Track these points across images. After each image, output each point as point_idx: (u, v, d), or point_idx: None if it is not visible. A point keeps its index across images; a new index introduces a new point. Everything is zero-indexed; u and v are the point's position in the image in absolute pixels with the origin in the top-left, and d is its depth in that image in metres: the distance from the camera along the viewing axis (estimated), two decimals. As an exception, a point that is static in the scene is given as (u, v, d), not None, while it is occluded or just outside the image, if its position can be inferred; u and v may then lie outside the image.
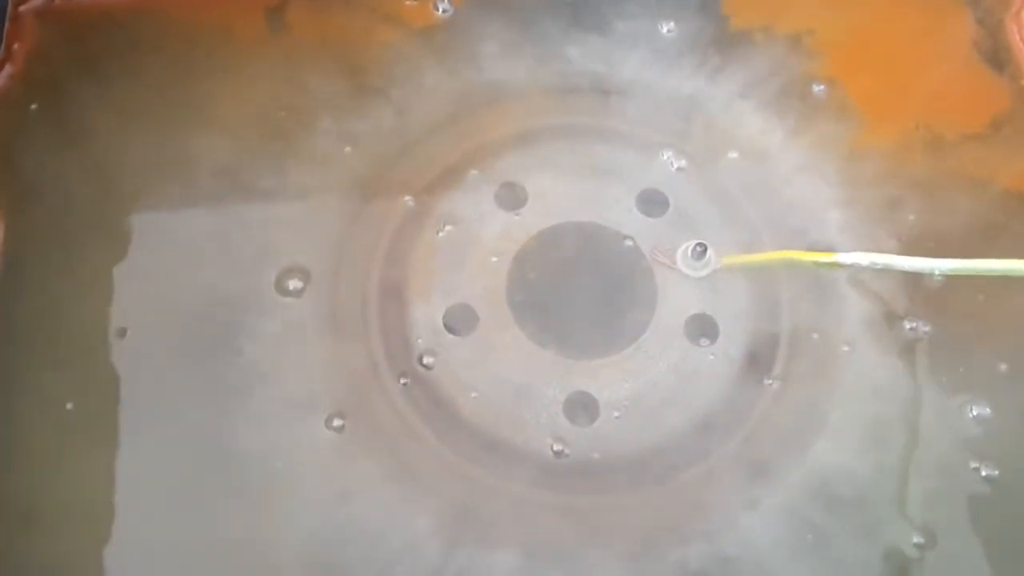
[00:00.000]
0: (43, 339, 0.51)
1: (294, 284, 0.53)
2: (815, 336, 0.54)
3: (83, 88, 0.57)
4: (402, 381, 0.52)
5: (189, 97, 0.57)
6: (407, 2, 0.61)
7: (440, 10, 0.59)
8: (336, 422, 0.50)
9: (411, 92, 0.59)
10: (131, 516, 0.47)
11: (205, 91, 0.58)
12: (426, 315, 0.53)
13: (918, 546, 0.49)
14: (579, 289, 0.55)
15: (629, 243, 0.55)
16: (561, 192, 0.57)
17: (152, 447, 0.49)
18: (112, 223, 0.54)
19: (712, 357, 0.54)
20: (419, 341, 0.53)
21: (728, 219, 0.57)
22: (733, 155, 0.59)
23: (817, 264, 0.55)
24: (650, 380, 0.53)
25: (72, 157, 0.55)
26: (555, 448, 0.51)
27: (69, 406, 0.49)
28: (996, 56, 0.61)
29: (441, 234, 0.56)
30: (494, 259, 0.55)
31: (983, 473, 0.50)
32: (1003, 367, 0.53)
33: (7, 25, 0.58)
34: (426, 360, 0.52)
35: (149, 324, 0.51)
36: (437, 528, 0.48)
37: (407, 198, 0.56)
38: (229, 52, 0.59)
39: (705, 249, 0.54)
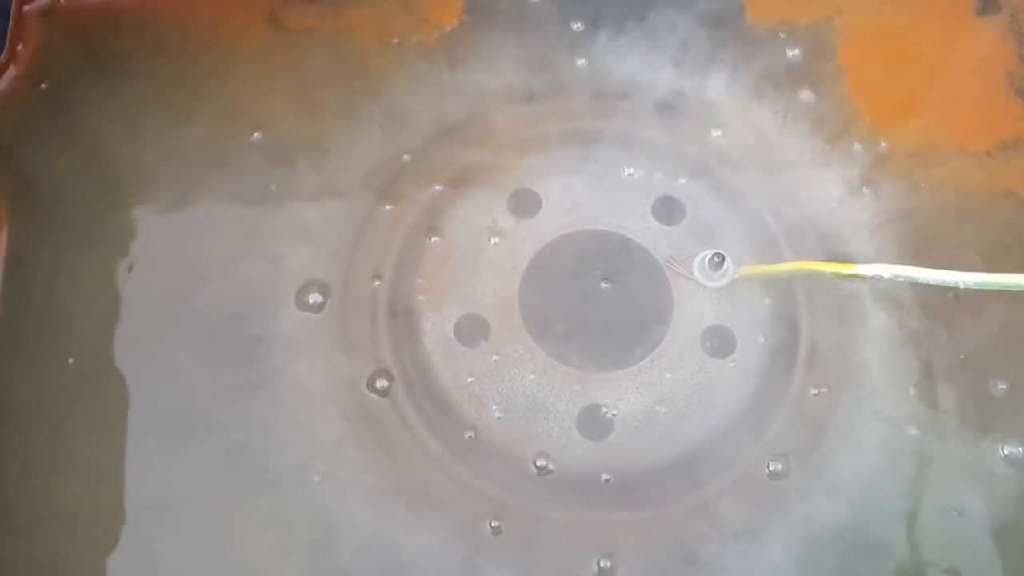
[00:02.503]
0: (48, 339, 0.50)
1: (313, 298, 0.52)
2: (834, 349, 0.53)
3: (88, 89, 0.57)
4: (411, 393, 0.51)
5: (194, 98, 0.57)
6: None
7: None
8: (344, 432, 0.49)
9: (423, 98, 0.58)
10: (134, 521, 0.47)
11: (211, 93, 0.57)
12: (437, 325, 0.53)
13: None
14: (593, 299, 0.54)
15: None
16: (575, 199, 0.56)
17: (155, 450, 0.48)
18: (117, 225, 0.53)
19: (729, 369, 0.53)
20: (429, 352, 0.52)
21: (746, 228, 0.56)
22: (750, 160, 0.58)
23: (837, 275, 0.54)
24: (666, 393, 0.52)
25: (77, 158, 0.55)
26: (568, 462, 0.50)
27: (73, 407, 0.49)
28: None
29: (453, 242, 0.55)
30: (507, 268, 0.54)
31: (1007, 495, 0.50)
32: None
33: (11, 26, 0.57)
34: (436, 371, 0.51)
35: (155, 326, 0.51)
36: (445, 542, 0.48)
37: (418, 206, 0.55)
38: (235, 54, 0.58)
39: (723, 259, 0.53)
